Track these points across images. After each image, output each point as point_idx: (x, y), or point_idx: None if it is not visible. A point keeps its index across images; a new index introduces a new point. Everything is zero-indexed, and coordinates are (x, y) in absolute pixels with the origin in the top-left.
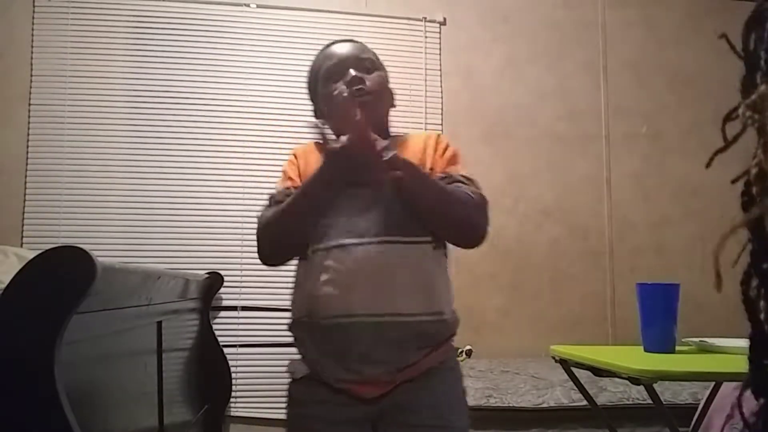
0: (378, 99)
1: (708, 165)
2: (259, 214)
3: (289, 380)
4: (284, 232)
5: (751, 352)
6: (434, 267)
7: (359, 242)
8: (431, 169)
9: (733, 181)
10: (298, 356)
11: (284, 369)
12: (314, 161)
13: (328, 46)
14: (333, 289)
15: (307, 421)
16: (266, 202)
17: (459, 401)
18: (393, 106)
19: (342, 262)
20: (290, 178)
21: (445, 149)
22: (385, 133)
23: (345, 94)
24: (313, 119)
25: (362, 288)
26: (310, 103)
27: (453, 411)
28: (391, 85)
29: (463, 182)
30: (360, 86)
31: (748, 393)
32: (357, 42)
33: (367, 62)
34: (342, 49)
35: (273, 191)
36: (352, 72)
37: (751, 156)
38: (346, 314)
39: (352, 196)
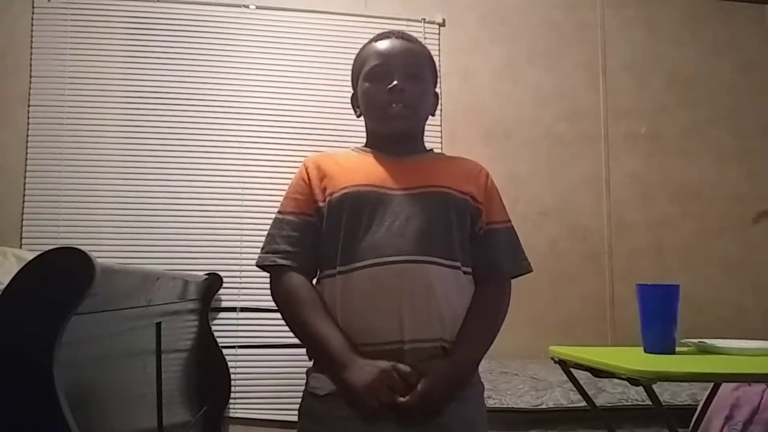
0: (413, 116)
1: None
2: (268, 244)
3: (309, 395)
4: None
5: None
6: (467, 290)
7: (400, 260)
8: (472, 197)
9: None
10: (308, 365)
11: (283, 381)
12: (336, 173)
13: (380, 37)
14: (375, 313)
15: None
16: (273, 222)
17: (483, 413)
18: (432, 114)
19: (383, 282)
20: (298, 197)
21: (492, 189)
22: (419, 145)
23: (383, 101)
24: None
25: (407, 311)
26: (352, 88)
27: (480, 422)
28: (436, 90)
29: (505, 233)
30: (399, 102)
31: (746, 393)
32: (409, 41)
33: (415, 69)
34: (392, 48)
35: (278, 214)
36: (396, 81)
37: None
38: (392, 341)
39: (389, 206)
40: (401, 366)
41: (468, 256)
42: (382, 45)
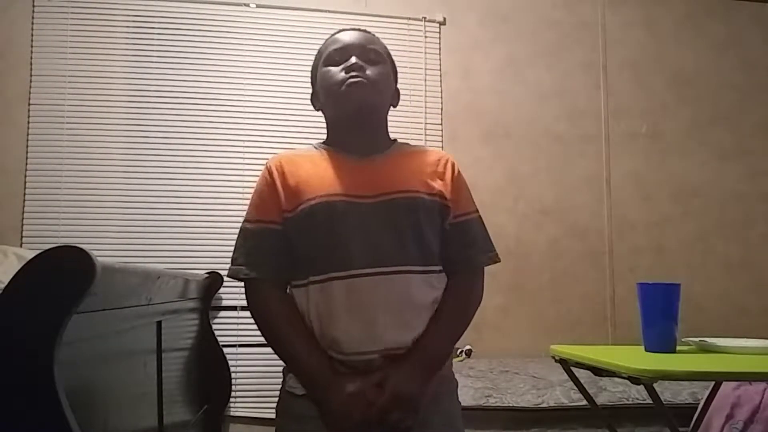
0: (374, 90)
1: None
2: (235, 261)
3: (287, 394)
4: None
5: None
6: (440, 290)
7: (376, 272)
8: (441, 195)
9: None
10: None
11: (281, 379)
12: (302, 180)
13: (337, 32)
14: (353, 324)
15: None
16: (240, 232)
17: (458, 407)
18: (394, 105)
19: (360, 293)
20: (264, 205)
21: (459, 181)
22: (382, 138)
23: (340, 77)
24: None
25: (385, 322)
26: (311, 87)
27: (457, 415)
28: (398, 85)
29: (474, 224)
30: (357, 73)
31: (747, 392)
32: (369, 33)
33: (372, 53)
34: (350, 36)
35: (246, 223)
36: (353, 59)
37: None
38: (369, 350)
39: (361, 216)
40: (370, 390)
41: (441, 255)
42: (341, 34)
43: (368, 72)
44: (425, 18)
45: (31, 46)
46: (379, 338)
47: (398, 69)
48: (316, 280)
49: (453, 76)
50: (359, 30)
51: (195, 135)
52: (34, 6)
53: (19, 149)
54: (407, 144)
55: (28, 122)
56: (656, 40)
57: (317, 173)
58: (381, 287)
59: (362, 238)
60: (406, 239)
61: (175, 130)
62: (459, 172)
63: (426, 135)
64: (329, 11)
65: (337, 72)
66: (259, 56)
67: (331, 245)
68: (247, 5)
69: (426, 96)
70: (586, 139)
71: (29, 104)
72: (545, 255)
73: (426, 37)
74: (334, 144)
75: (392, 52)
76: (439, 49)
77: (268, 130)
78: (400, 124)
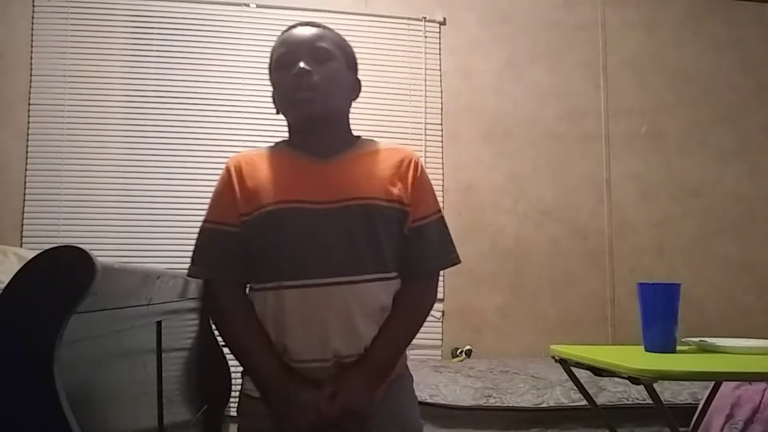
0: (324, 98)
1: None
2: (193, 262)
3: (245, 396)
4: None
5: None
6: (392, 296)
7: (329, 282)
8: (400, 201)
9: None
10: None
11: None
12: (259, 185)
13: (287, 30)
14: (304, 333)
15: None
16: (200, 231)
17: (409, 404)
18: (353, 98)
19: (312, 302)
20: (223, 206)
21: (421, 183)
22: (343, 136)
23: (289, 87)
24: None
25: (336, 331)
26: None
27: (409, 416)
28: (360, 75)
29: (432, 227)
30: (304, 85)
31: (747, 392)
32: (318, 27)
33: (322, 52)
34: (297, 35)
35: (205, 223)
36: (301, 64)
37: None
38: (319, 359)
39: (314, 223)
40: (323, 402)
41: (399, 262)
42: (288, 34)
43: (316, 77)
44: (425, 18)
45: (31, 46)
46: (329, 347)
47: (398, 69)
48: (271, 287)
49: (453, 76)
50: (308, 24)
51: (194, 135)
52: (34, 6)
53: (19, 149)
54: (371, 141)
55: (28, 122)
56: (656, 40)
57: (274, 177)
58: (333, 297)
59: (315, 246)
60: (361, 247)
61: (174, 130)
62: (422, 172)
63: (426, 135)
64: (329, 11)
65: (287, 79)
66: (259, 56)
67: (284, 253)
68: (247, 5)
69: (426, 96)
70: (586, 139)
71: (29, 104)
72: (545, 255)
73: (426, 37)
74: (294, 143)
75: (392, 52)
76: (439, 49)
77: (268, 130)
78: (401, 124)
